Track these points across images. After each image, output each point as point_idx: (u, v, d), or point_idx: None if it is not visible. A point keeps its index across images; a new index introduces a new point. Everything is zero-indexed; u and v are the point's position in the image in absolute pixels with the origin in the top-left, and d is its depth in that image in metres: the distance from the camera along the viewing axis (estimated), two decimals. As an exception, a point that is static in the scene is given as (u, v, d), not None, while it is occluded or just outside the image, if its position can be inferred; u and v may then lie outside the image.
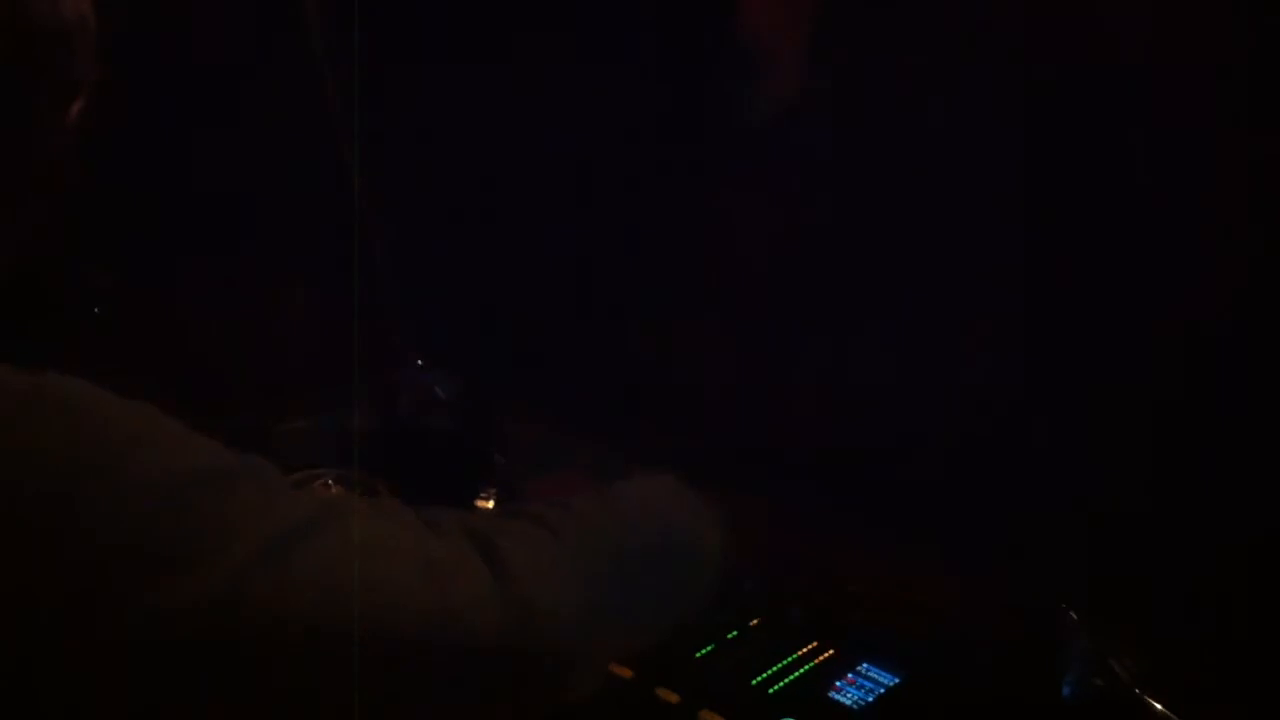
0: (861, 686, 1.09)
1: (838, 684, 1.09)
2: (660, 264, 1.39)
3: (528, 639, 0.77)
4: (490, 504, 1.26)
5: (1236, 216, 1.09)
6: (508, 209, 1.50)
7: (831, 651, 1.13)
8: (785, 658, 1.11)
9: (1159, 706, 1.05)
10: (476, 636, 0.75)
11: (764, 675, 1.09)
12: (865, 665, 1.11)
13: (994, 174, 1.18)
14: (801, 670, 1.10)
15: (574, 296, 1.44)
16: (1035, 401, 1.22)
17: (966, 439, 1.23)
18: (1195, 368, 1.13)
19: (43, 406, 0.69)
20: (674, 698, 1.05)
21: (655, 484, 0.99)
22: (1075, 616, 1.09)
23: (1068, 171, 1.16)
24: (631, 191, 1.39)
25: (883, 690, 1.09)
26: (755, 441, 1.32)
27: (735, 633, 1.14)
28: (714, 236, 1.37)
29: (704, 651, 1.11)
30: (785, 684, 1.08)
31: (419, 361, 1.39)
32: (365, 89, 1.03)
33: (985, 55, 1.17)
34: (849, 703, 1.07)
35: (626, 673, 1.05)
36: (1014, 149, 1.17)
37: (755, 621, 1.15)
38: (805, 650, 1.12)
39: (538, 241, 1.47)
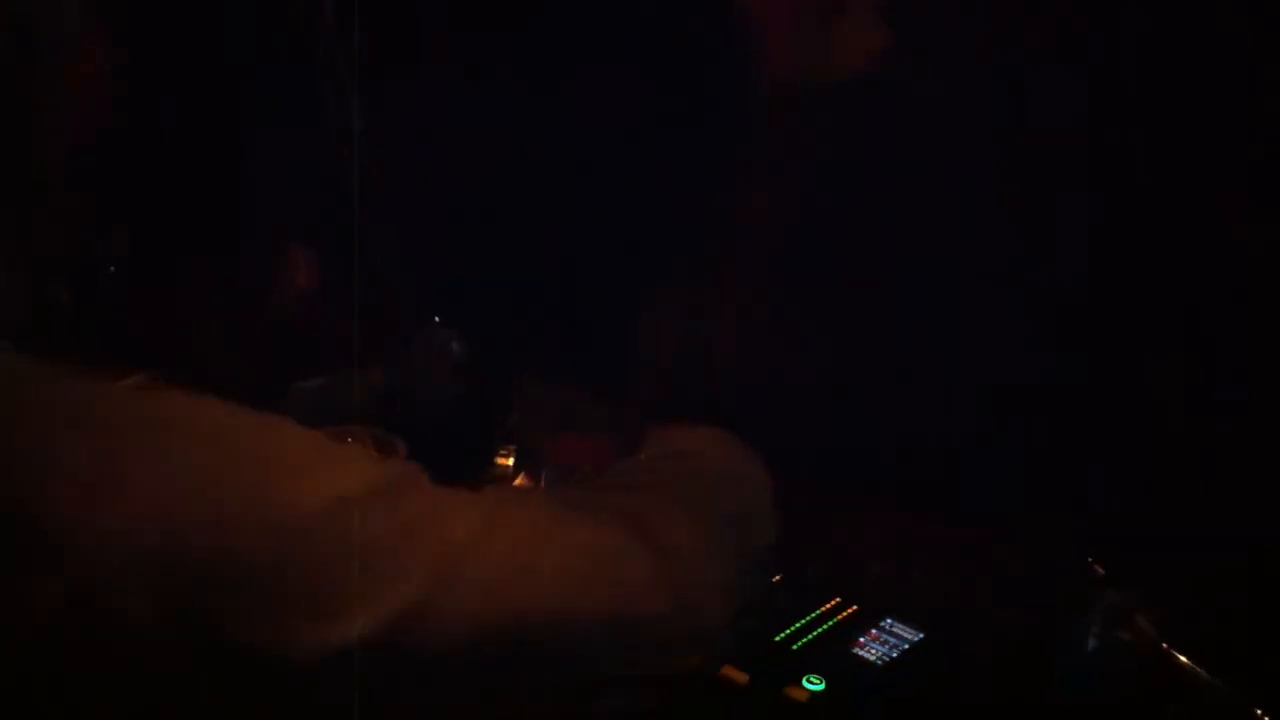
0: (885, 642, 1.08)
1: (861, 640, 1.09)
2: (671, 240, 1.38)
3: (691, 622, 0.78)
4: (510, 460, 1.26)
5: (1238, 214, 1.08)
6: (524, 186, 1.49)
7: (854, 608, 1.12)
8: (807, 615, 1.10)
9: (1185, 660, 1.05)
10: (650, 625, 0.76)
11: (787, 632, 1.08)
12: (889, 621, 1.11)
13: (995, 170, 1.17)
14: (824, 627, 1.10)
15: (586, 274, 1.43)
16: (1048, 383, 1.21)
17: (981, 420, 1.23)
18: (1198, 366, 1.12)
19: (185, 433, 0.65)
20: (696, 656, 1.05)
21: (716, 441, 0.96)
22: (1102, 570, 1.09)
23: (1066, 168, 1.14)
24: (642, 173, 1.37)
25: (907, 646, 1.08)
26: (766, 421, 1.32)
27: (758, 589, 1.13)
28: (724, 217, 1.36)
29: (726, 608, 1.11)
30: (808, 640, 1.08)
31: (436, 319, 1.38)
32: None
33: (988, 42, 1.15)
34: (873, 659, 1.06)
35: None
36: (1017, 143, 1.16)
37: (776, 578, 1.14)
38: (827, 607, 1.12)
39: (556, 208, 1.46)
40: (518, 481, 1.26)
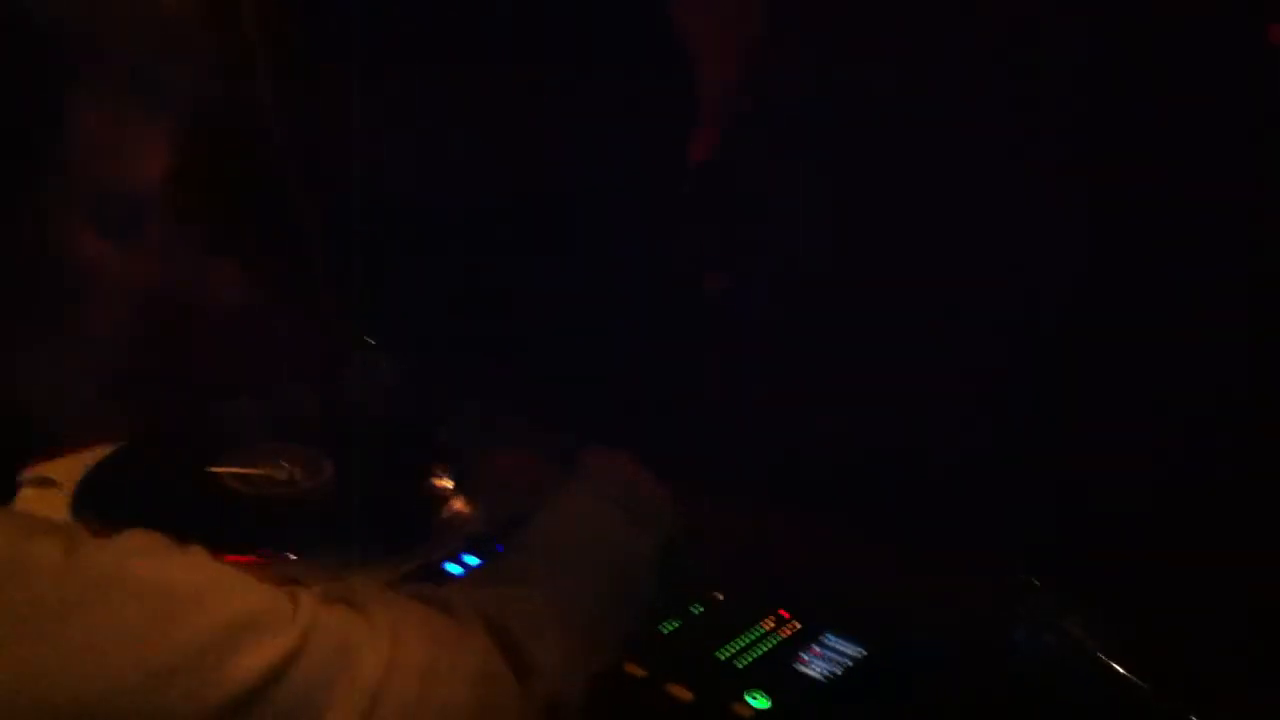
0: (828, 658, 1.09)
1: (804, 656, 1.10)
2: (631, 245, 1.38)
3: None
4: (448, 482, 1.25)
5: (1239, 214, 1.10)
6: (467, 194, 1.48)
7: (796, 625, 1.13)
8: (750, 631, 1.11)
9: (1117, 666, 1.07)
10: None
11: (730, 649, 1.09)
12: (829, 636, 1.12)
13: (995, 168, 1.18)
14: (768, 644, 1.10)
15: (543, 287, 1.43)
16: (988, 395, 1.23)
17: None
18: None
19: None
20: (641, 672, 1.05)
21: (592, 498, 1.07)
22: (1037, 582, 1.11)
23: (1064, 165, 1.16)
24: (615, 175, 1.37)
25: (850, 663, 1.09)
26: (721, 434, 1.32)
27: (700, 607, 1.14)
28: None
29: (670, 626, 1.11)
30: (752, 658, 1.08)
31: (370, 341, 1.37)
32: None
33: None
34: (817, 675, 1.08)
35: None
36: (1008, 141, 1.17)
37: (720, 596, 1.15)
38: (769, 623, 1.13)
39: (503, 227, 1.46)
40: (457, 504, 1.25)
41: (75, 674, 0.64)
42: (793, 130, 1.26)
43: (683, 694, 1.04)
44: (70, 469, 1.24)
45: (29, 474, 1.21)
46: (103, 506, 1.19)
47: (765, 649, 1.10)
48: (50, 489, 1.21)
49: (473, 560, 1.21)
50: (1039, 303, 1.18)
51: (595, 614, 0.95)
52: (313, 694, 0.70)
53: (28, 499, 1.19)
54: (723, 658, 1.08)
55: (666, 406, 1.33)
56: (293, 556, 1.15)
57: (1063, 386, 1.20)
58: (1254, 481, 1.11)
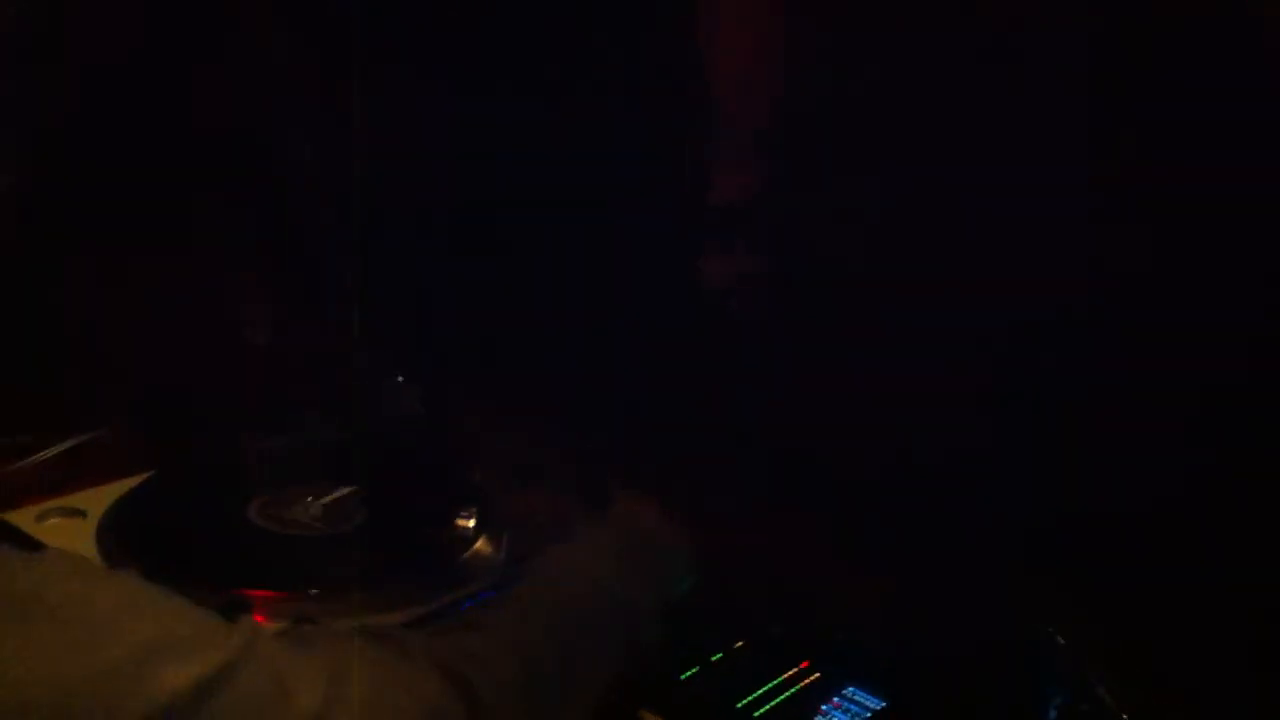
0: (848, 710, 1.08)
1: (824, 708, 1.08)
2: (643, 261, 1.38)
3: None
4: (471, 522, 1.25)
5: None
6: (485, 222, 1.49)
7: (817, 675, 1.11)
8: (770, 680, 1.10)
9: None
10: None
11: (749, 698, 1.07)
12: (851, 689, 1.10)
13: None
14: (787, 693, 1.09)
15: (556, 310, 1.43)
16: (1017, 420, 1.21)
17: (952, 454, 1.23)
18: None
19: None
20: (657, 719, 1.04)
21: (591, 548, 1.05)
22: (1062, 640, 1.09)
23: (1064, 166, 1.15)
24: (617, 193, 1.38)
25: (868, 715, 1.07)
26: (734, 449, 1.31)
27: (720, 654, 1.12)
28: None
29: (689, 674, 1.10)
30: (770, 707, 1.07)
31: (399, 379, 1.37)
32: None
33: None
34: (835, 727, 1.06)
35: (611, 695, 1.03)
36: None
37: (740, 644, 1.14)
38: (791, 673, 1.11)
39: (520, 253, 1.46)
40: (479, 545, 1.24)
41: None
42: (800, 132, 1.26)
43: (699, 744, 1.02)
44: (98, 499, 1.25)
45: (55, 504, 1.23)
46: (127, 538, 1.19)
47: (785, 698, 1.08)
48: (77, 518, 1.22)
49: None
50: (1046, 314, 1.17)
51: (560, 660, 0.94)
52: (242, 715, 0.70)
53: (54, 528, 1.20)
54: (740, 705, 1.06)
55: (673, 416, 1.33)
56: (314, 592, 1.14)
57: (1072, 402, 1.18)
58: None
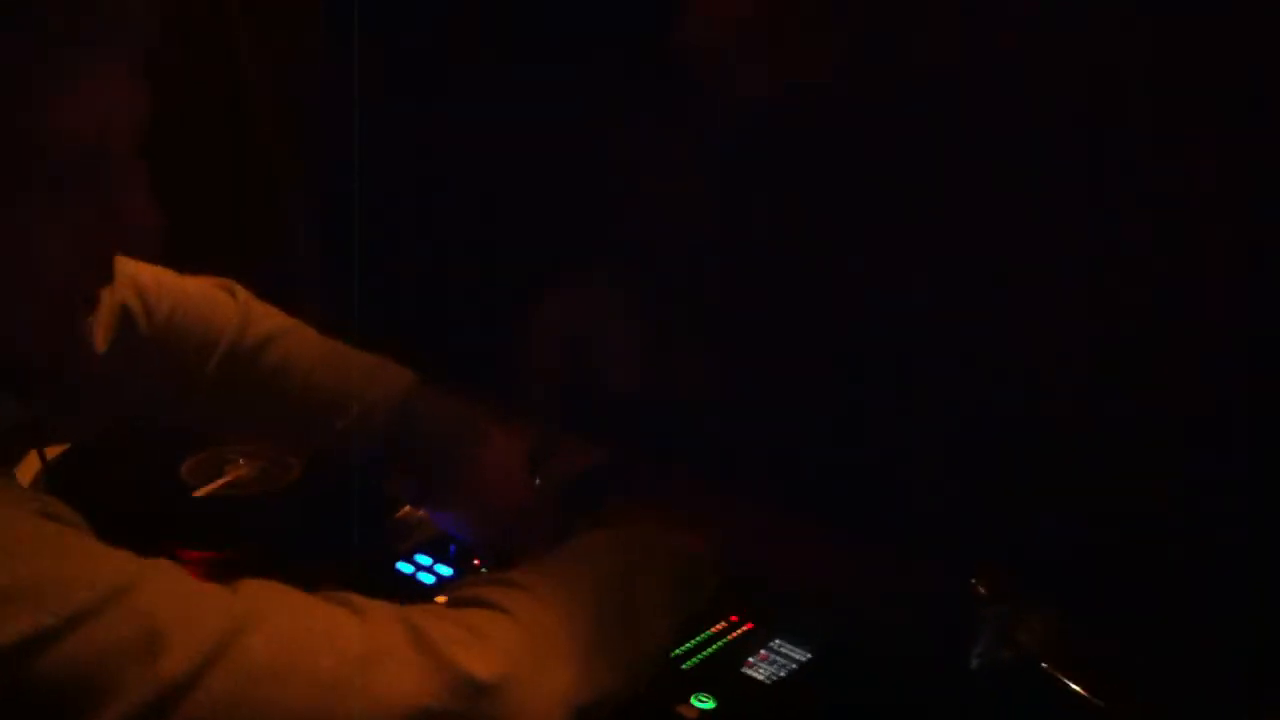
0: (774, 662, 1.09)
1: (750, 659, 1.10)
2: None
3: (482, 708, 0.75)
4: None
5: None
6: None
7: (747, 626, 1.13)
8: (701, 632, 1.11)
9: (1065, 680, 1.07)
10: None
11: (680, 650, 1.09)
12: (778, 641, 1.12)
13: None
14: (716, 645, 1.10)
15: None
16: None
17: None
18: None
19: None
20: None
21: (605, 537, 0.99)
22: (984, 590, 1.11)
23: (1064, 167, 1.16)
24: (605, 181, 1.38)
25: (795, 666, 1.09)
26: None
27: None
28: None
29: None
30: (700, 659, 1.08)
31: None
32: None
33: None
34: (762, 678, 1.08)
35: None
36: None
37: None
38: (720, 626, 1.13)
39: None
40: (411, 506, 1.25)
41: None
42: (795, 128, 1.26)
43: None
44: (29, 461, 1.24)
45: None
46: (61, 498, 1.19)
47: (714, 651, 1.10)
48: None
49: (425, 560, 1.21)
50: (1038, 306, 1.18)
51: (575, 635, 0.84)
52: (84, 674, 0.63)
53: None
54: (671, 657, 1.07)
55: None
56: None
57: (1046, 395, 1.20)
58: (1218, 490, 1.11)
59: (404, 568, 1.21)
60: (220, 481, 1.28)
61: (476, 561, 1.20)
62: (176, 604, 0.67)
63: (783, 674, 1.08)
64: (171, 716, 0.64)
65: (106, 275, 0.79)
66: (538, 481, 1.21)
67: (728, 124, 1.29)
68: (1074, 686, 1.06)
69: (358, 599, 0.78)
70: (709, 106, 1.29)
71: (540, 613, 0.83)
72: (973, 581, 1.10)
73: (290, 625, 0.71)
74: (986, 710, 1.08)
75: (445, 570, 1.20)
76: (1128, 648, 1.12)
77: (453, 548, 1.22)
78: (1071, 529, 1.19)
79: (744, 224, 1.33)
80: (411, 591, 1.17)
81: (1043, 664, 1.07)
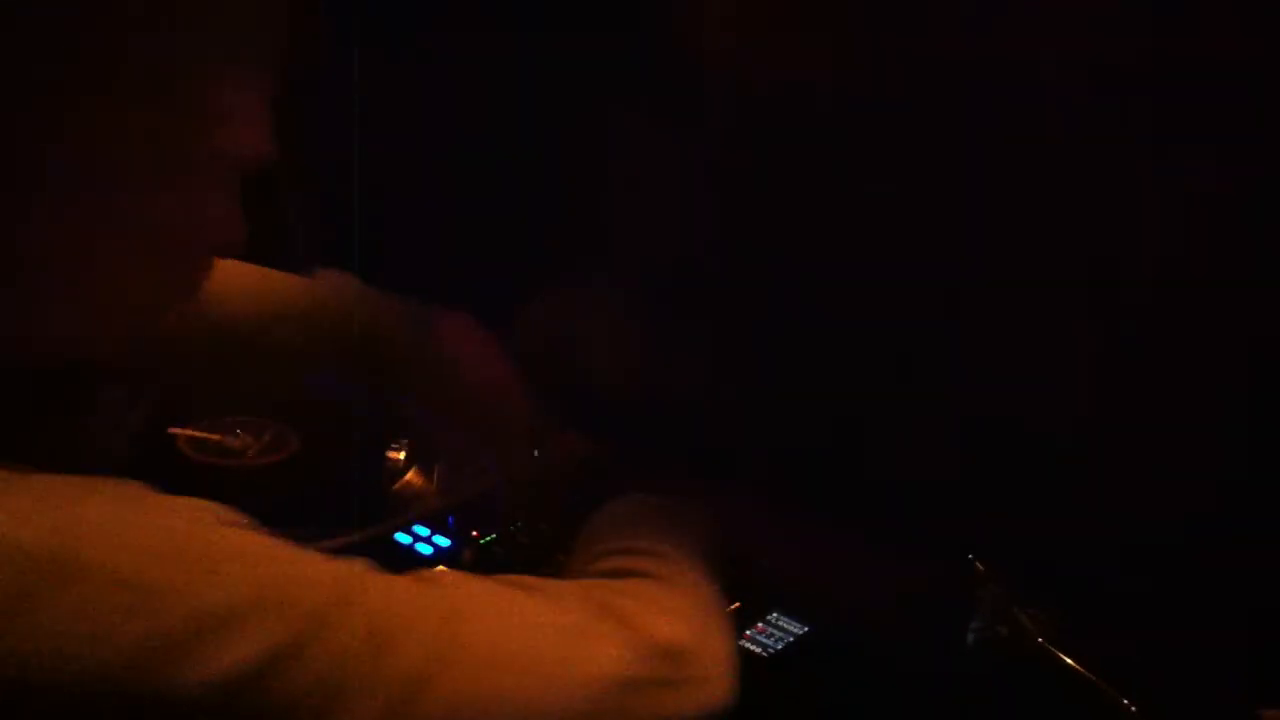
0: (771, 635, 1.10)
1: (748, 632, 1.10)
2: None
3: (678, 671, 0.76)
4: (401, 454, 1.25)
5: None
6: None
7: (739, 603, 1.13)
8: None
9: (1063, 657, 1.07)
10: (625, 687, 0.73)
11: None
12: (775, 614, 1.12)
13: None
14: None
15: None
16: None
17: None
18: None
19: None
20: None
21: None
22: (982, 567, 1.11)
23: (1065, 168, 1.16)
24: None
25: (792, 638, 1.09)
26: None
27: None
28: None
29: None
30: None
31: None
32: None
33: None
34: (759, 650, 1.08)
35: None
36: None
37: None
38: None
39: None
40: (410, 476, 1.25)
41: (45, 659, 0.58)
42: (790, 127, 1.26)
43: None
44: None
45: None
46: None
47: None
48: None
49: (423, 531, 1.21)
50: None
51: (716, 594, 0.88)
52: (325, 683, 0.62)
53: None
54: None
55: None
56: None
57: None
58: (1209, 477, 1.11)
59: (402, 539, 1.20)
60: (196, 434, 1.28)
61: (475, 533, 1.20)
62: (392, 602, 0.67)
63: (780, 646, 1.08)
64: (409, 717, 0.64)
65: (192, 288, 0.77)
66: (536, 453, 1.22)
67: (725, 119, 1.29)
68: (1070, 662, 1.06)
69: (530, 579, 0.78)
70: (706, 101, 1.29)
71: (682, 576, 0.85)
72: (971, 558, 1.10)
73: (495, 612, 0.72)
74: (983, 686, 1.08)
75: (443, 541, 1.20)
76: (1124, 640, 1.12)
77: (450, 518, 1.22)
78: (1068, 523, 1.19)
79: (736, 214, 1.33)
80: (410, 563, 1.17)
81: (1039, 639, 1.07)
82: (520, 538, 1.19)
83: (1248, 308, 1.08)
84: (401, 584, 0.69)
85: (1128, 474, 1.15)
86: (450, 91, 1.48)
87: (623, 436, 1.27)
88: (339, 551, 1.00)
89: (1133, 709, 1.03)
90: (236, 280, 1.10)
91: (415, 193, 1.54)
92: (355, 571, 0.68)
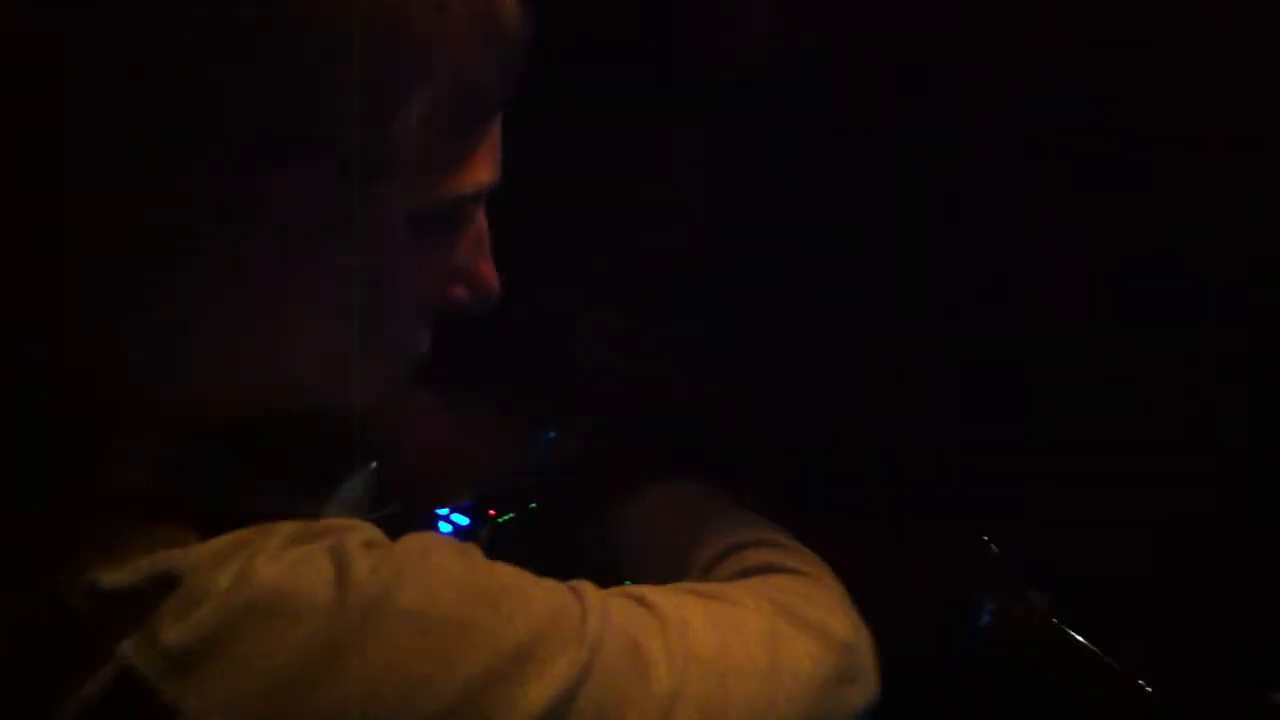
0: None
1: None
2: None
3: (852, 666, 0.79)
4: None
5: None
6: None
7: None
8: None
9: (1076, 637, 1.07)
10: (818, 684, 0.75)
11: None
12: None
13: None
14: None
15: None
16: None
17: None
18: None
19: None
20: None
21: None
22: (996, 548, 1.11)
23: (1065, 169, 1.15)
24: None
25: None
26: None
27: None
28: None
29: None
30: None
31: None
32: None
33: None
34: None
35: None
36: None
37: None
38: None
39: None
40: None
41: (357, 704, 0.58)
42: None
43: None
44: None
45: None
46: None
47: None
48: None
49: (441, 510, 1.22)
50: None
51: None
52: (606, 708, 0.63)
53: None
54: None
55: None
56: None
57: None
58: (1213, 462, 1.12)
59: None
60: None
61: (492, 512, 1.21)
62: (631, 618, 0.69)
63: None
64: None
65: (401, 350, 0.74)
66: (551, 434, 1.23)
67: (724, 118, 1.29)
68: (1084, 641, 1.07)
69: (685, 584, 0.80)
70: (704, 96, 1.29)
71: (816, 567, 0.89)
72: (986, 539, 1.11)
73: (706, 622, 0.73)
74: (991, 675, 1.09)
75: (461, 519, 1.21)
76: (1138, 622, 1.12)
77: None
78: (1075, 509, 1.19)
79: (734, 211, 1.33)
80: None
81: (1054, 619, 1.08)
82: (538, 518, 1.20)
83: (1249, 301, 1.08)
84: (627, 603, 0.70)
85: (1131, 458, 1.15)
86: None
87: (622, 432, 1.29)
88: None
89: (1147, 689, 1.04)
90: None
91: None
92: (590, 590, 0.69)
